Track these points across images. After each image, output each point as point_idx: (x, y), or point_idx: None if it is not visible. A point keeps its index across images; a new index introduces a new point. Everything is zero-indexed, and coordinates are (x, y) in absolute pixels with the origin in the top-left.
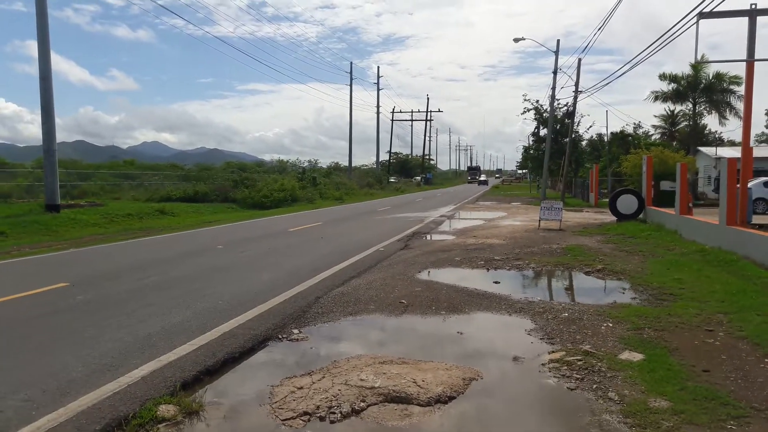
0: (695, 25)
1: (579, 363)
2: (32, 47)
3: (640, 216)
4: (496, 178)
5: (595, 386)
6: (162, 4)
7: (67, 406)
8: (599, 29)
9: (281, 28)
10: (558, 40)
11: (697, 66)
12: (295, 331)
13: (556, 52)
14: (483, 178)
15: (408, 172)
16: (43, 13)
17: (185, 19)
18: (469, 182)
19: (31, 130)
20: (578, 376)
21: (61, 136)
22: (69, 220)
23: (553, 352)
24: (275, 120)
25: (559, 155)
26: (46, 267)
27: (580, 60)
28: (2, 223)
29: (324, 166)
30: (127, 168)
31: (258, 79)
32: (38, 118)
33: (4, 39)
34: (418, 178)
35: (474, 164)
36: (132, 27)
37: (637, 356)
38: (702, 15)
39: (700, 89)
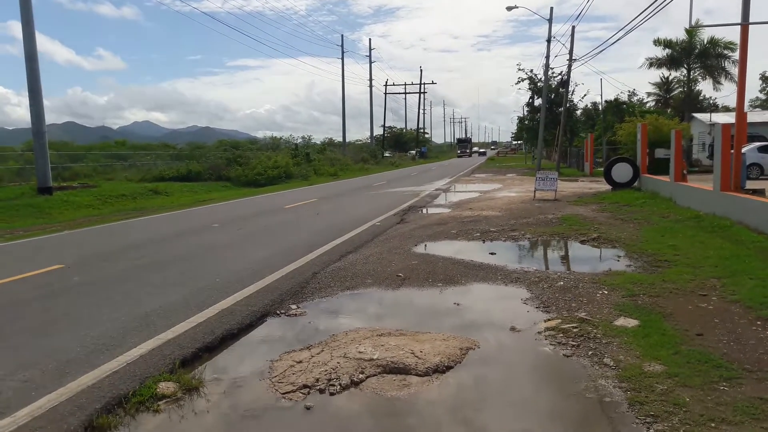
0: None
1: (575, 330)
2: (14, 27)
3: (635, 184)
4: (492, 149)
5: (590, 353)
6: None
7: (67, 386)
8: None
9: (270, 2)
10: (551, 8)
11: (692, 31)
12: (293, 306)
13: (550, 20)
14: (481, 150)
15: (402, 146)
16: None
17: None
18: (459, 156)
19: (19, 113)
20: (574, 343)
21: (50, 118)
22: (62, 202)
23: (549, 320)
24: (266, 96)
25: (554, 125)
26: (41, 249)
27: (573, 27)
28: None
29: (318, 142)
30: (118, 149)
31: (248, 54)
32: (25, 101)
33: None
34: (413, 152)
35: (465, 135)
36: (116, 4)
37: (632, 322)
38: None
39: (695, 55)
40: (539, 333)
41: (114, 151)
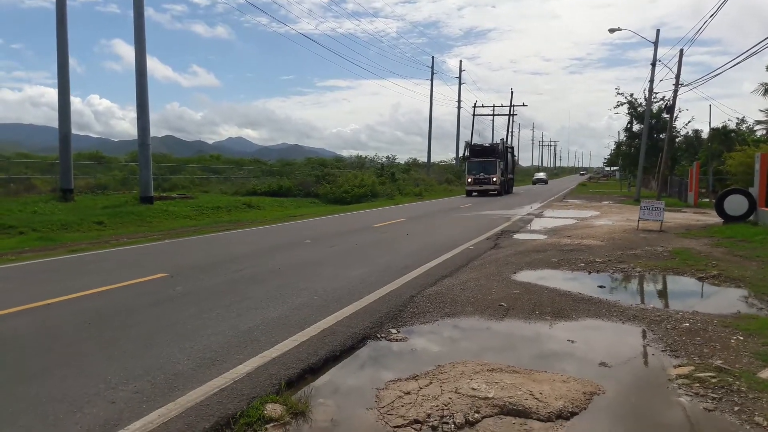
0: None
1: (713, 380)
2: (118, 46)
3: (751, 218)
4: (581, 175)
5: (737, 408)
6: (250, 1)
7: (176, 401)
8: (711, 16)
9: (362, 24)
10: (657, 30)
11: None
12: (393, 330)
13: (656, 43)
14: (542, 176)
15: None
16: (140, 12)
17: (270, 15)
18: (468, 190)
19: (123, 126)
20: (714, 396)
21: (151, 131)
22: (162, 211)
23: (679, 366)
24: (352, 116)
25: (654, 152)
26: (144, 257)
27: (682, 51)
28: (101, 214)
29: (401, 162)
30: (213, 162)
31: (338, 75)
32: (129, 114)
33: (92, 40)
34: None
35: (493, 141)
36: (210, 24)
37: None
38: None
39: None
40: (670, 380)
41: (209, 164)
